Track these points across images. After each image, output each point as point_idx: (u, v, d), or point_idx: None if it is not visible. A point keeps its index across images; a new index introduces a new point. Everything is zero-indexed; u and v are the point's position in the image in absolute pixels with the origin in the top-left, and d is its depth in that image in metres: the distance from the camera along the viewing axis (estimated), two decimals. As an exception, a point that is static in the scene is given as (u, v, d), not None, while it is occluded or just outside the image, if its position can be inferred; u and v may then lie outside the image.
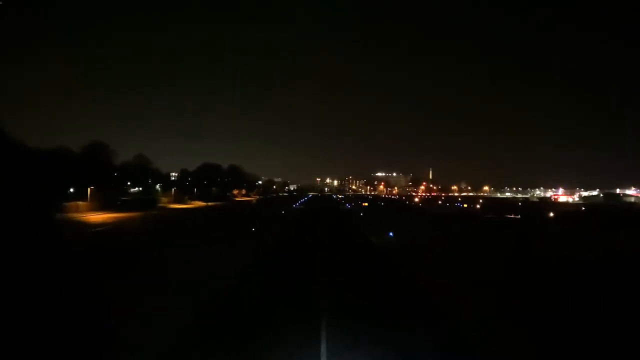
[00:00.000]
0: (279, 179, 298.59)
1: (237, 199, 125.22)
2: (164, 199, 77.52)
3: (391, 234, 32.86)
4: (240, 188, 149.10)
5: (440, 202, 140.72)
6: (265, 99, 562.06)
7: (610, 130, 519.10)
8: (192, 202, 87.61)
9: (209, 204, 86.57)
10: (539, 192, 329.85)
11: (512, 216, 65.98)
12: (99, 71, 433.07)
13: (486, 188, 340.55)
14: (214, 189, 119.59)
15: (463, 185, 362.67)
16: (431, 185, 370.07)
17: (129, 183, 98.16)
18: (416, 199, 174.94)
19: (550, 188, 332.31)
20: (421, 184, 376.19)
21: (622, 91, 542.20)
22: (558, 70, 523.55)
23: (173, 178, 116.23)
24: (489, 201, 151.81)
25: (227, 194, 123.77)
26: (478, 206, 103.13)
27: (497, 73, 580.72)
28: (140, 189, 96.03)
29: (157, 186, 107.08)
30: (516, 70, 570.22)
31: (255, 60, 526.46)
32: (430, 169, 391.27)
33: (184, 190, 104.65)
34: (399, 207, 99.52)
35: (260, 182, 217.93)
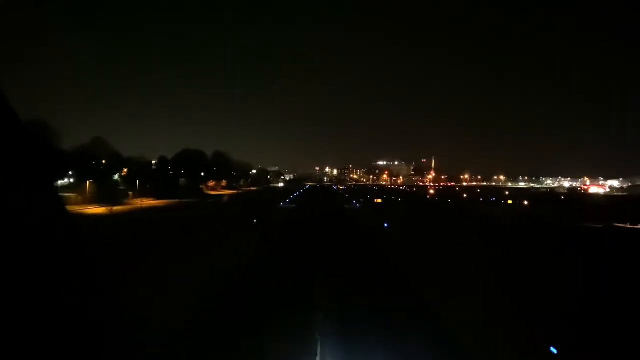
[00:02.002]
0: (276, 168, 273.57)
1: (212, 192, 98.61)
2: (75, 198, 51.04)
3: None
4: (224, 178, 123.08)
5: (465, 195, 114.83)
6: (264, 89, 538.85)
7: (609, 121, 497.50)
8: (140, 199, 61.73)
9: (160, 202, 60.60)
10: (549, 182, 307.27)
11: (628, 225, 40.37)
12: (97, 58, 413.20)
13: (502, 178, 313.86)
14: (181, 180, 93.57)
15: (467, 175, 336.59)
16: (434, 175, 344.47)
17: (70, 172, 73.80)
18: (431, 191, 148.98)
19: (563, 177, 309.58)
20: (425, 173, 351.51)
21: (621, 83, 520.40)
22: (552, 64, 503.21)
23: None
24: (524, 195, 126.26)
25: (201, 186, 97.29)
26: (526, 202, 77.61)
27: (491, 66, 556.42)
28: (72, 181, 70.69)
29: (117, 176, 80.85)
30: (510, 63, 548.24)
31: (252, 50, 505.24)
32: (433, 157, 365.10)
33: (152, 181, 79.85)
34: (424, 205, 73.83)
35: (254, 172, 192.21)
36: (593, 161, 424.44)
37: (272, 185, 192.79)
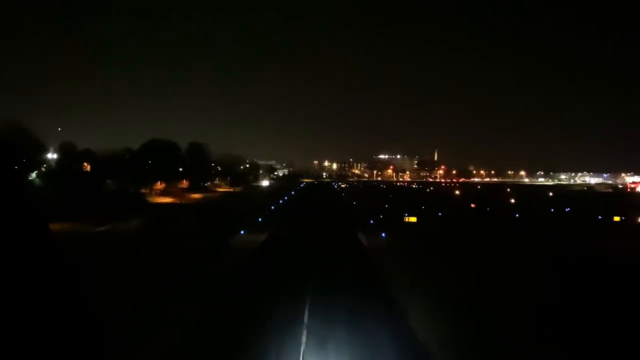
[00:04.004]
0: (273, 162, 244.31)
1: (160, 199, 67.61)
2: None
3: None
4: (199, 174, 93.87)
5: (511, 200, 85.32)
6: (263, 81, 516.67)
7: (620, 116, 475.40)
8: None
9: None
10: (563, 177, 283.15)
11: None
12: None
13: (522, 173, 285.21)
14: (108, 181, 63.63)
15: (480, 170, 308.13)
16: (441, 170, 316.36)
17: None
18: (457, 192, 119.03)
19: (584, 172, 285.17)
20: (436, 169, 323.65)
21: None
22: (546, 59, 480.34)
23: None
24: (591, 197, 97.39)
25: (145, 190, 67.11)
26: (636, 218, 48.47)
27: (487, 61, 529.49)
28: None
29: (34, 174, 61.45)
30: (509, 58, 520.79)
31: (249, 42, 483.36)
32: (436, 150, 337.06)
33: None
34: (494, 229, 44.41)
35: (247, 165, 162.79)
36: (594, 157, 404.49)
37: (263, 182, 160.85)
